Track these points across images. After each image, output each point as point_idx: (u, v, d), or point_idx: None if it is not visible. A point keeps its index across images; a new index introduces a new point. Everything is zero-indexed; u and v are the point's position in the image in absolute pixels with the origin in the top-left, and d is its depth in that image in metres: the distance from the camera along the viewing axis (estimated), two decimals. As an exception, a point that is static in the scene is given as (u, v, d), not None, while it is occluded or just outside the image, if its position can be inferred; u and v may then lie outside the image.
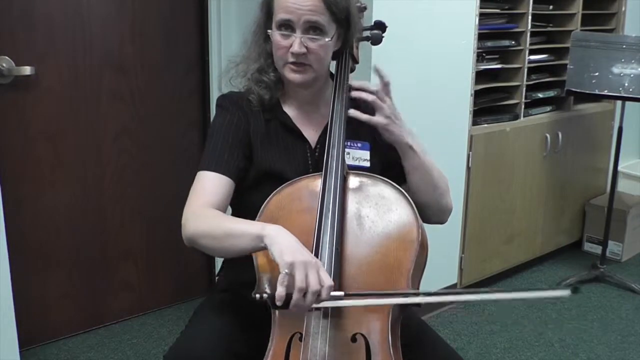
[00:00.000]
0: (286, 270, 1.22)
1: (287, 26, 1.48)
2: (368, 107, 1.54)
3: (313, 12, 1.46)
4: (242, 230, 1.34)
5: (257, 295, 1.25)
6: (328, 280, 1.24)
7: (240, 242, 1.34)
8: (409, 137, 1.55)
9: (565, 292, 1.24)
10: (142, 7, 2.74)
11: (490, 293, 1.39)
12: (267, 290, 1.27)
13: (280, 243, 1.27)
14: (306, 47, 1.47)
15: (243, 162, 1.54)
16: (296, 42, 1.47)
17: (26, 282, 2.59)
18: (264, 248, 1.29)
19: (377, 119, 1.52)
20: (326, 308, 1.32)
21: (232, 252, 1.38)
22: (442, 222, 1.64)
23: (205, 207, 1.44)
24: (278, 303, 1.23)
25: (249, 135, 1.56)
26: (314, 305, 1.26)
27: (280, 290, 1.22)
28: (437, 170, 1.60)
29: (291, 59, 1.49)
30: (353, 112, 1.52)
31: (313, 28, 1.47)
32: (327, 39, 1.49)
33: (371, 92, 1.53)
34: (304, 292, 1.22)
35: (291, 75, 1.51)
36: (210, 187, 1.49)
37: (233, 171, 1.51)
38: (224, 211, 1.51)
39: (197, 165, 1.53)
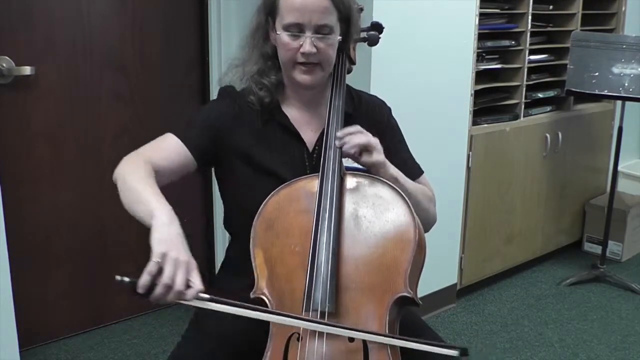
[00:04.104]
0: (157, 260, 1.20)
1: (296, 27, 1.48)
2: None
3: (324, 14, 1.47)
4: (145, 200, 1.33)
5: (118, 278, 1.20)
6: (198, 286, 1.22)
7: (138, 209, 1.33)
8: (394, 169, 1.52)
9: (453, 353, 1.27)
10: (142, 7, 2.74)
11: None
12: (129, 278, 1.21)
13: (161, 232, 1.25)
14: (315, 47, 1.48)
15: (210, 145, 1.55)
16: (307, 43, 1.47)
17: (26, 282, 2.59)
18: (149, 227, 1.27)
19: (379, 156, 1.46)
20: (323, 310, 1.32)
21: (130, 210, 1.36)
22: (425, 232, 1.64)
23: (147, 161, 1.45)
24: (140, 290, 1.19)
25: (231, 130, 1.57)
26: (177, 301, 1.22)
27: (145, 279, 1.19)
28: (419, 190, 1.60)
29: (301, 60, 1.49)
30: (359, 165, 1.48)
31: (322, 28, 1.48)
32: (337, 38, 1.51)
33: (358, 133, 1.46)
34: (168, 289, 1.20)
35: (301, 77, 1.51)
36: (166, 148, 1.52)
37: (196, 147, 1.53)
38: (167, 177, 1.51)
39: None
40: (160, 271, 1.20)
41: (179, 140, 1.52)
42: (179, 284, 1.20)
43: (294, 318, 1.29)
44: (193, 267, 1.23)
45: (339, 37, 1.52)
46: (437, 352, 1.29)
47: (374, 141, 1.47)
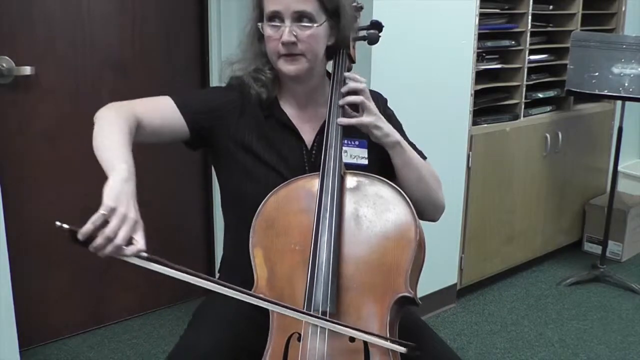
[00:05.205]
0: (103, 212, 1.20)
1: (276, 18, 1.49)
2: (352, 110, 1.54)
3: (300, 0, 1.47)
4: (112, 151, 1.34)
5: (58, 223, 1.19)
6: (140, 245, 1.21)
7: (104, 157, 1.33)
8: (395, 133, 1.54)
9: (401, 349, 1.31)
10: (142, 7, 2.74)
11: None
12: (69, 226, 1.20)
13: (116, 187, 1.24)
14: (296, 36, 1.48)
15: (208, 125, 1.56)
16: (285, 31, 1.47)
17: (26, 282, 2.59)
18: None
19: (367, 118, 1.50)
20: (324, 310, 1.31)
21: (97, 156, 1.36)
22: (434, 220, 1.64)
23: (132, 114, 1.45)
24: (80, 237, 1.19)
25: (234, 120, 1.57)
26: (116, 256, 1.21)
27: (88, 227, 1.19)
28: (425, 166, 1.61)
29: (283, 50, 1.49)
30: (342, 121, 1.50)
31: (302, 17, 1.48)
32: (315, 25, 1.49)
33: (358, 90, 1.51)
34: (109, 241, 1.19)
35: (285, 67, 1.51)
36: (157, 107, 1.53)
37: (192, 118, 1.54)
38: (149, 136, 1.53)
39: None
40: (105, 224, 1.19)
41: (174, 105, 1.53)
42: (120, 238, 1.19)
43: (256, 297, 1.30)
44: (139, 228, 1.23)
45: (317, 24, 1.49)
46: (386, 347, 1.30)
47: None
